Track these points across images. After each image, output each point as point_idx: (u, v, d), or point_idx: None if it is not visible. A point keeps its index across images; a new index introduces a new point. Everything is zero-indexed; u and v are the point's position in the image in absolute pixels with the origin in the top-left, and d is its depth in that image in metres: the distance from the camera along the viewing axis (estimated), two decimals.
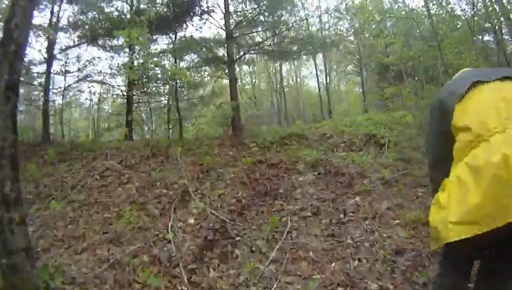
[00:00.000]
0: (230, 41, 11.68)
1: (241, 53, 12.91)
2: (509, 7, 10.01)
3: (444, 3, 11.00)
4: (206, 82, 18.02)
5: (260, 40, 13.67)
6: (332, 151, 9.74)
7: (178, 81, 15.74)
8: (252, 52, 13.17)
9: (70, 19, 12.81)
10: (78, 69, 14.18)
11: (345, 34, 21.04)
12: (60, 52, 13.40)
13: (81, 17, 12.87)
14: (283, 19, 12.78)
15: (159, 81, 15.37)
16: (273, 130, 12.21)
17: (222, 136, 11.33)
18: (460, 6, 12.00)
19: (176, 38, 14.76)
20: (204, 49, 13.33)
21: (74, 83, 15.22)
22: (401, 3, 15.94)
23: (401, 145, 10.09)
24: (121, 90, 16.12)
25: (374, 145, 10.26)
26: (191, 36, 13.26)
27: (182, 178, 7.30)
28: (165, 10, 12.70)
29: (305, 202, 6.54)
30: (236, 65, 23.11)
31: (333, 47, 16.65)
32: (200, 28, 13.36)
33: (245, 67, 25.60)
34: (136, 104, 16.23)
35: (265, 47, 13.01)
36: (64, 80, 14.37)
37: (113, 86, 16.38)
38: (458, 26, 11.25)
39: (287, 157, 8.81)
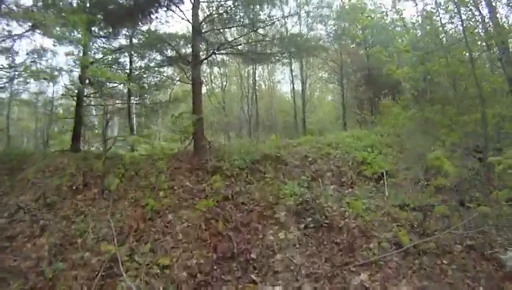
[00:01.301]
0: (197, 37, 9.40)
1: (210, 52, 10.63)
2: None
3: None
4: (168, 84, 15.67)
5: (233, 38, 11.43)
6: (318, 184, 7.69)
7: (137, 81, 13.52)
8: (222, 51, 10.88)
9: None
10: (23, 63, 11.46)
11: (325, 40, 19.20)
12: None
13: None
14: (261, 16, 10.65)
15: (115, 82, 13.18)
16: (243, 147, 9.97)
17: (180, 154, 8.99)
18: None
19: (133, 33, 12.44)
20: (169, 47, 11.00)
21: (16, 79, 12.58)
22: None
23: (400, 176, 8.26)
24: (69, 90, 13.62)
25: (369, 178, 8.28)
26: (155, 31, 11.02)
27: (111, 230, 5.02)
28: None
29: (290, 279, 4.43)
30: (205, 66, 20.99)
31: (323, 51, 14.54)
32: (167, 22, 11.12)
33: (216, 69, 23.34)
34: (89, 107, 13.85)
35: (240, 47, 10.81)
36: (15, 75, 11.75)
37: (64, 86, 13.85)
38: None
39: (262, 194, 6.66)
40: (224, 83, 25.07)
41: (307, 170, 8.60)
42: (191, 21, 9.49)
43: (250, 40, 10.77)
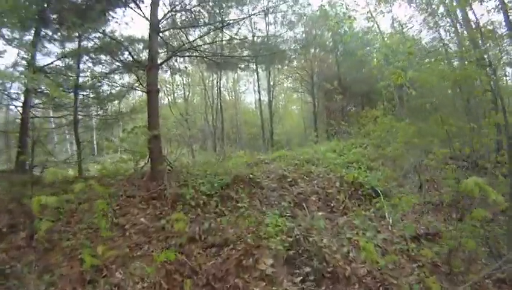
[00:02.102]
0: (154, 36, 7.81)
1: (170, 54, 9.09)
2: None
3: None
4: (124, 93, 13.82)
5: (197, 37, 9.92)
6: (304, 212, 6.32)
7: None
8: (185, 54, 9.33)
9: None
10: None
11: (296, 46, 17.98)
12: None
13: None
14: (230, 16, 9.27)
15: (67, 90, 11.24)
16: (209, 166, 8.40)
17: (133, 177, 7.30)
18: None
19: (83, 35, 10.63)
20: (125, 51, 9.35)
21: None
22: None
23: (394, 194, 7.06)
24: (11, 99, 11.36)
25: (361, 199, 7.02)
26: (112, 32, 9.65)
27: None
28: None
29: None
30: (167, 75, 19.22)
31: (294, 57, 13.37)
32: (126, 23, 9.55)
33: (178, 78, 21.63)
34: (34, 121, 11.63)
35: (205, 50, 9.29)
36: None
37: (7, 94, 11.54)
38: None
39: (237, 232, 5.14)
40: (187, 93, 23.37)
41: (288, 193, 7.19)
42: (148, 18, 7.94)
43: (216, 41, 9.32)
